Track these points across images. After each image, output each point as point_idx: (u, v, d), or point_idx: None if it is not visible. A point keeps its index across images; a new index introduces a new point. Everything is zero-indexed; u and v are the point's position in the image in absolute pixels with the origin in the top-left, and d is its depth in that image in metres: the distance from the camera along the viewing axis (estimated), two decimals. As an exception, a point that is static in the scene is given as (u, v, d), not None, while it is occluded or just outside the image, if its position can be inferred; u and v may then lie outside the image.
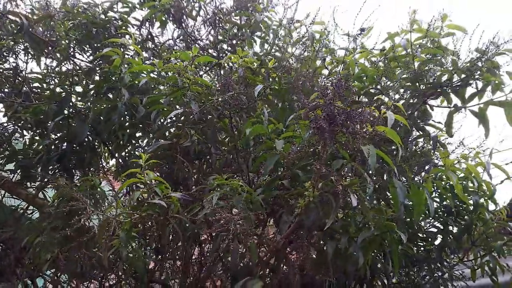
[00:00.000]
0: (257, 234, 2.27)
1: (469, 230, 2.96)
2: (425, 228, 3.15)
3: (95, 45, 3.45)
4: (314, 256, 2.35)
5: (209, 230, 2.16)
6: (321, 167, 1.90)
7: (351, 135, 1.85)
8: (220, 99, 2.52)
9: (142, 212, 2.04)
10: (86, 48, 3.49)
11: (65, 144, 3.34)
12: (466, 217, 2.97)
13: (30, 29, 3.07)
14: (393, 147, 2.61)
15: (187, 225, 2.37)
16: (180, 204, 2.22)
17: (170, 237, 2.67)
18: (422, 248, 3.15)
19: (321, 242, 2.46)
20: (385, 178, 2.69)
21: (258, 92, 2.50)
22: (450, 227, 3.04)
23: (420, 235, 3.10)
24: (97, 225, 2.38)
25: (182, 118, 2.76)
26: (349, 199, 1.92)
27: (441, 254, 3.06)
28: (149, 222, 2.16)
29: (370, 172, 2.14)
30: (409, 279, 3.11)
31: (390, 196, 2.66)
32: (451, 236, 3.01)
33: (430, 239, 3.13)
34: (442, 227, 3.05)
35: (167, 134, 2.98)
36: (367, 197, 2.22)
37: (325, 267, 2.33)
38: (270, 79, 2.89)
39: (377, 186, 2.59)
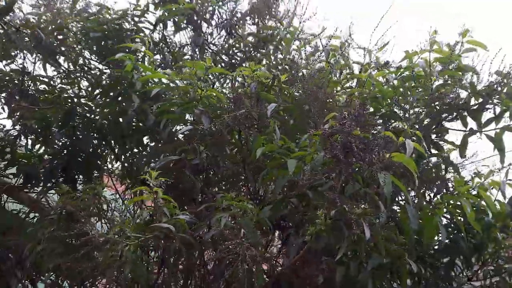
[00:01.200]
0: (265, 258, 2.21)
1: (480, 250, 2.88)
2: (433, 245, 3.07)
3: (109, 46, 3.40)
4: (321, 281, 2.29)
5: (216, 256, 2.10)
6: (335, 196, 1.84)
7: (368, 165, 1.78)
8: (230, 116, 2.46)
9: (149, 234, 2.00)
10: (97, 53, 3.44)
11: (69, 151, 3.30)
12: (476, 236, 2.88)
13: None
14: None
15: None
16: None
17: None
18: (429, 265, 3.07)
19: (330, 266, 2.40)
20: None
21: (270, 111, 2.43)
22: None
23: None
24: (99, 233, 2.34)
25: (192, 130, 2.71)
26: (361, 228, 1.86)
27: (449, 272, 2.98)
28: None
29: (385, 200, 2.08)
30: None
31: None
32: (460, 254, 2.92)
33: (438, 257, 3.06)
34: (450, 245, 2.97)
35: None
36: (379, 225, 2.15)
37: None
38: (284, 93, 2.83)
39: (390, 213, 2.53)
